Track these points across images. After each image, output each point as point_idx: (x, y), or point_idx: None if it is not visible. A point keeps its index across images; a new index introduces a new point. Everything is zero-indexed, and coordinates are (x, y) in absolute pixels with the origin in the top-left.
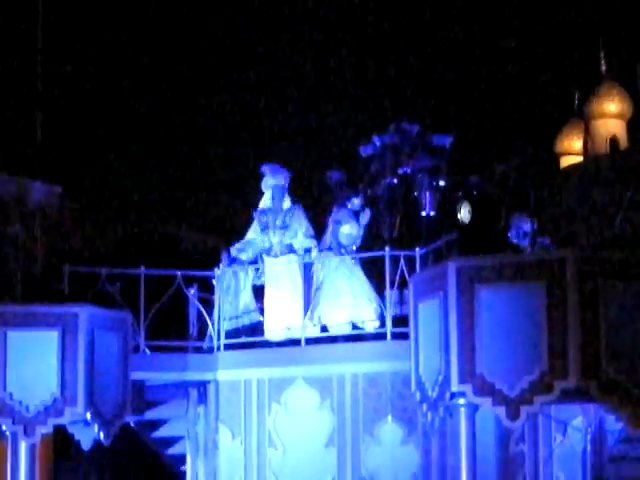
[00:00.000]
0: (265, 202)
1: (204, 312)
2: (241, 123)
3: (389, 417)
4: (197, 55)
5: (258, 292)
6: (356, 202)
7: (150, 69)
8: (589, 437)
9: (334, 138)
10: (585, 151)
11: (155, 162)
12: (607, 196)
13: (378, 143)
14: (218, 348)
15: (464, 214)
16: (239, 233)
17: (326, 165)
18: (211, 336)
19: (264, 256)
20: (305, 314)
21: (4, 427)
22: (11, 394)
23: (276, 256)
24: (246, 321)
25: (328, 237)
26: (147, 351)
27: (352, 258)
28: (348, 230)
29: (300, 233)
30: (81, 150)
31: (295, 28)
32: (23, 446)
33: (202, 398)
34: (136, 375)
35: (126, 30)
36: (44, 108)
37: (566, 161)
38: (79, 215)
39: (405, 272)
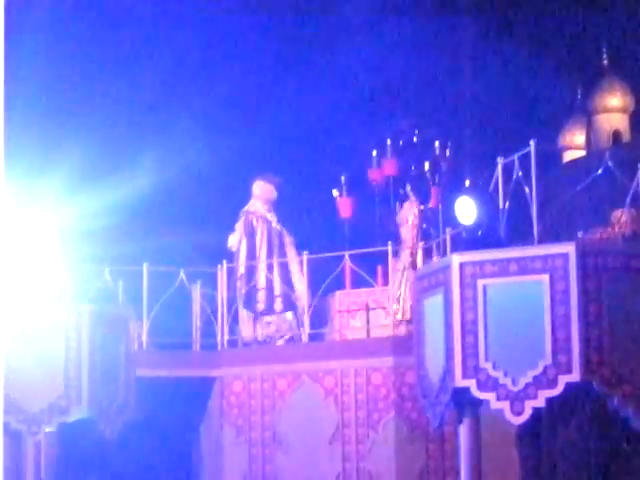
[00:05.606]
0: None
1: (208, 308)
2: None
3: (393, 413)
4: None
5: None
6: None
7: None
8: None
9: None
10: (588, 145)
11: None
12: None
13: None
14: (222, 345)
15: (463, 209)
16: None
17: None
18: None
19: None
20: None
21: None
22: (16, 391)
23: None
24: None
25: None
26: (151, 348)
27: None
28: None
29: None
30: None
31: None
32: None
33: (206, 395)
34: (140, 372)
35: None
36: None
37: (569, 155)
38: None
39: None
